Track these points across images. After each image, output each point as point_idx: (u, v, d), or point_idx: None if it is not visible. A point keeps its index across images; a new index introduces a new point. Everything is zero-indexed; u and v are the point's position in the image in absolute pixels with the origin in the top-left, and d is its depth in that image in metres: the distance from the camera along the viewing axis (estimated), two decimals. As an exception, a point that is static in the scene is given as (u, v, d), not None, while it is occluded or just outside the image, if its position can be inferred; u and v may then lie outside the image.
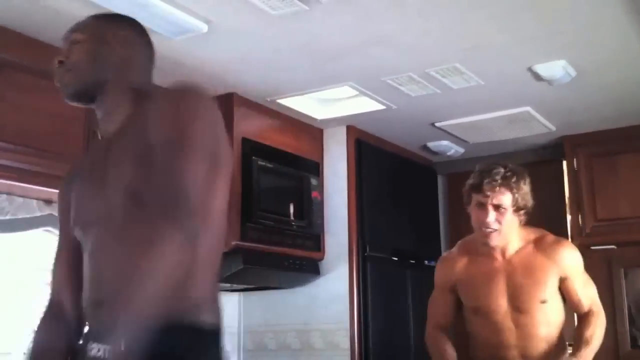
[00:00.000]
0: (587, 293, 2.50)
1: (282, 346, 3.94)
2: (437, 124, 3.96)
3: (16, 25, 2.60)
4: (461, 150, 4.43)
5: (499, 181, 2.34)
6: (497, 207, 2.36)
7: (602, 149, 4.16)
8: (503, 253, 2.46)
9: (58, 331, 1.55)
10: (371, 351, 3.79)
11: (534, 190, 4.59)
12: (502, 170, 2.38)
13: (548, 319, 2.43)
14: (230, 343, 3.97)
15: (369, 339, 3.80)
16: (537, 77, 3.25)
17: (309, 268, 3.82)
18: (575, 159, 4.21)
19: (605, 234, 4.12)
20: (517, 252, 2.46)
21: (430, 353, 2.61)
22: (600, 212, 4.11)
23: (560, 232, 4.29)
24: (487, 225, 2.38)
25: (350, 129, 3.98)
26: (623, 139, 4.08)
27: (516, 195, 2.36)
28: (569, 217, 4.26)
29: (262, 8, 2.49)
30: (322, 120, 3.85)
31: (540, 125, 3.97)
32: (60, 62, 1.53)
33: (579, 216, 4.15)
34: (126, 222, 1.36)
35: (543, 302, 2.40)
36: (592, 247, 4.24)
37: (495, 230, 2.38)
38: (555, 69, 3.16)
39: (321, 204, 3.87)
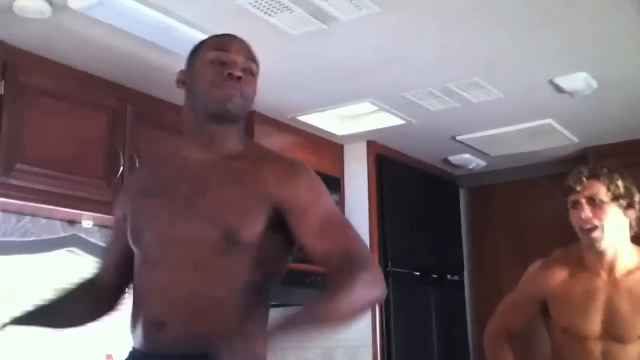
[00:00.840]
0: None
1: (305, 363, 3.93)
2: (457, 138, 3.94)
3: (40, 49, 2.64)
4: (483, 163, 4.40)
5: (586, 174, 2.10)
6: (591, 201, 2.08)
7: (627, 159, 4.09)
8: (610, 271, 2.13)
9: (93, 294, 1.69)
10: (395, 367, 3.76)
11: (559, 203, 4.56)
12: (589, 166, 2.17)
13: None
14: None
15: (392, 356, 3.78)
16: (559, 89, 3.23)
17: (331, 284, 3.80)
18: (598, 171, 4.17)
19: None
20: (627, 273, 2.12)
21: (487, 357, 2.35)
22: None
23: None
24: (584, 222, 2.08)
25: (370, 145, 3.98)
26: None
27: (611, 185, 2.07)
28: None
29: (282, 28, 2.50)
30: (343, 136, 3.86)
31: (562, 137, 3.94)
32: (239, 77, 1.56)
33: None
34: (214, 257, 1.45)
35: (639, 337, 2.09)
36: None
37: (596, 226, 2.07)
38: (576, 81, 3.13)
39: (342, 219, 3.86)
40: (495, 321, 2.36)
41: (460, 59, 2.90)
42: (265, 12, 2.39)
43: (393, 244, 3.97)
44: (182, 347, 1.40)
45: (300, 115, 3.51)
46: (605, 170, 2.11)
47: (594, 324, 2.10)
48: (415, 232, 4.22)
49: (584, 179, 2.09)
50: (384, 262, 3.89)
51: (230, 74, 1.53)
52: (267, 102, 3.33)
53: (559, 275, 2.21)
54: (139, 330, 1.48)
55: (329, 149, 3.93)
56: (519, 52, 2.84)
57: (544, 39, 2.73)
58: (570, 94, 3.26)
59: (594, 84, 3.17)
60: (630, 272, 2.11)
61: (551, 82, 3.16)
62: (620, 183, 2.08)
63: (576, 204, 2.11)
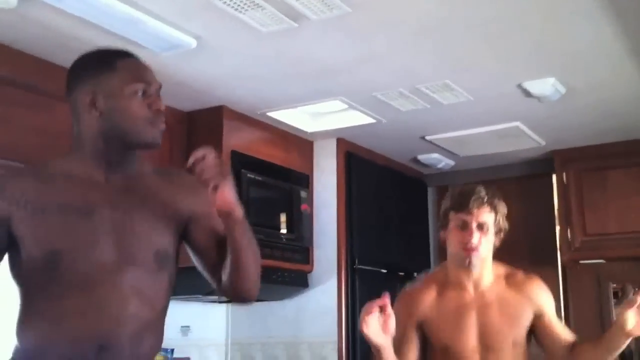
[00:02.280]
0: (566, 329, 2.30)
1: (270, 358, 3.93)
2: (427, 138, 3.96)
3: (5, 39, 2.59)
4: (451, 162, 4.43)
5: (486, 199, 2.18)
6: (480, 227, 2.18)
7: (592, 164, 4.17)
8: (476, 286, 2.25)
9: None
10: (358, 363, 3.78)
11: (523, 204, 4.60)
12: (484, 189, 2.23)
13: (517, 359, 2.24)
14: (217, 355, 3.96)
15: (357, 352, 3.80)
16: (527, 93, 3.26)
17: (297, 281, 3.81)
18: (565, 174, 4.23)
19: (594, 249, 4.13)
20: (489, 286, 2.26)
21: None
22: (590, 227, 4.12)
23: (548, 246, 4.34)
24: (471, 247, 2.17)
25: (340, 142, 3.98)
26: (613, 155, 4.10)
27: (498, 215, 2.20)
28: (557, 231, 4.27)
29: (252, 25, 2.49)
30: (312, 133, 3.85)
31: (529, 140, 3.98)
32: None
33: (568, 230, 4.16)
34: (148, 278, 1.55)
35: (515, 343, 2.22)
36: (581, 262, 4.26)
37: (478, 251, 2.19)
38: (544, 86, 3.17)
39: (310, 216, 3.87)
40: None
41: (430, 61, 2.91)
42: (236, 9, 2.37)
43: (360, 242, 3.98)
44: None
45: (270, 111, 3.50)
46: (496, 198, 2.21)
47: (470, 338, 2.20)
48: (383, 230, 4.23)
49: (483, 204, 2.18)
50: (351, 260, 3.90)
51: (158, 110, 1.57)
52: (237, 98, 3.32)
53: (428, 297, 2.27)
54: (63, 351, 1.46)
55: (299, 145, 3.93)
56: (489, 56, 2.86)
57: (513, 44, 2.75)
58: (538, 98, 3.29)
59: (562, 89, 3.21)
60: (493, 284, 2.25)
61: (520, 87, 3.19)
62: (503, 213, 2.22)
63: (465, 226, 2.18)
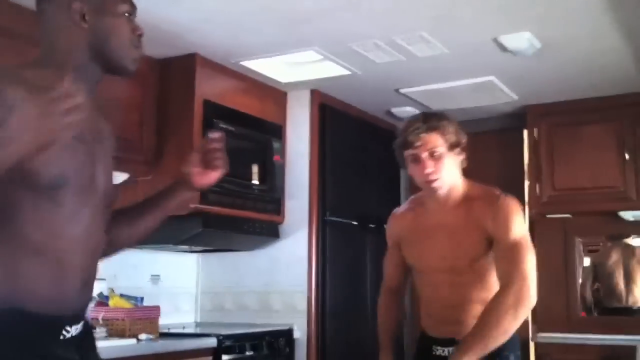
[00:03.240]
0: (511, 260, 2.15)
1: (240, 307, 3.97)
2: (401, 91, 3.95)
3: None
4: (425, 116, 4.43)
5: (422, 127, 2.21)
6: (431, 154, 2.21)
7: (565, 119, 4.20)
8: (445, 207, 2.29)
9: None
10: (328, 313, 3.83)
11: (496, 158, 4.64)
12: (420, 117, 2.28)
13: (481, 280, 2.23)
14: (187, 303, 3.99)
15: (327, 302, 3.85)
16: (502, 47, 3.25)
17: (269, 231, 3.82)
18: (536, 129, 4.25)
19: (562, 203, 4.19)
20: (454, 208, 2.28)
21: (378, 317, 2.55)
22: (559, 181, 4.17)
23: (518, 200, 4.38)
24: (428, 177, 2.23)
25: (314, 93, 3.95)
26: (585, 111, 4.13)
27: (445, 134, 2.22)
28: (526, 185, 4.31)
29: (226, -30, 2.43)
30: (287, 84, 3.81)
31: (503, 94, 3.99)
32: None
33: (537, 185, 4.21)
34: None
35: (474, 261, 2.22)
36: (548, 216, 4.32)
37: (438, 178, 2.23)
38: (520, 40, 3.16)
39: (283, 167, 3.86)
40: (382, 285, 2.59)
41: (407, 12, 2.87)
42: (210, -46, 2.31)
43: (332, 194, 3.99)
44: None
45: (244, 60, 3.44)
46: (437, 121, 2.24)
47: (435, 258, 2.28)
48: (356, 182, 4.24)
49: (423, 134, 2.21)
50: (322, 211, 3.92)
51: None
52: (211, 46, 3.26)
53: (407, 218, 2.42)
54: None
55: (273, 96, 3.89)
56: (465, 8, 2.84)
57: (490, -3, 2.73)
58: (514, 52, 3.29)
59: (537, 44, 3.20)
60: (462, 205, 2.28)
61: (495, 40, 3.18)
62: (452, 129, 2.25)
63: (416, 158, 2.23)
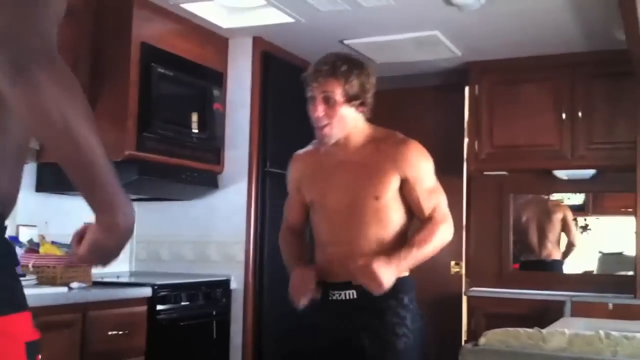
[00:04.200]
0: (431, 199, 2.27)
1: (176, 257, 3.92)
2: (345, 42, 3.89)
3: None
4: (368, 69, 4.40)
5: (326, 70, 2.15)
6: (326, 100, 2.17)
7: (506, 77, 4.23)
8: (345, 147, 2.27)
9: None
10: (265, 263, 3.82)
11: (435, 114, 4.66)
12: (332, 59, 2.18)
13: (381, 218, 2.24)
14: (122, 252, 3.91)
15: (264, 252, 3.83)
16: (447, 1, 3.23)
17: (207, 181, 3.76)
18: (477, 86, 4.28)
19: (499, 161, 4.25)
20: (358, 148, 2.27)
21: (282, 253, 2.49)
22: (497, 139, 4.22)
23: (456, 156, 4.43)
24: (317, 121, 2.20)
25: (257, 41, 3.86)
26: (527, 68, 4.17)
27: (346, 85, 2.15)
28: (465, 142, 4.35)
29: None
30: (228, 30, 3.71)
31: (446, 50, 3.98)
32: None
33: (476, 142, 4.25)
34: None
35: (376, 198, 2.22)
36: (485, 173, 4.39)
37: (327, 124, 2.19)
38: (466, -6, 3.14)
39: (223, 116, 3.78)
40: (283, 221, 2.54)
41: (353, -40, 2.81)
42: None
43: (273, 144, 3.94)
44: None
45: (184, 2, 3.32)
46: (344, 68, 2.16)
47: (334, 194, 2.27)
48: (297, 134, 4.17)
49: (321, 77, 2.16)
50: (262, 162, 3.87)
51: None
52: (149, -15, 3.13)
53: (309, 159, 2.40)
54: None
55: (214, 42, 3.78)
56: (412, -42, 2.79)
57: (438, -52, 2.68)
58: (459, 7, 3.27)
59: (482, -2, 3.19)
60: (362, 146, 2.27)
61: (441, -7, 3.16)
62: (355, 82, 2.17)
63: (312, 100, 2.20)
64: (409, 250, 2.19)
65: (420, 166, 2.26)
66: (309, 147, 2.44)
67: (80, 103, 1.08)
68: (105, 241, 1.15)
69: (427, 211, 2.27)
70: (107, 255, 1.19)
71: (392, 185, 2.22)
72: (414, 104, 4.55)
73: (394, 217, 2.26)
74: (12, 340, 1.12)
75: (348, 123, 2.22)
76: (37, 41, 1.06)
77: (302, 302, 2.26)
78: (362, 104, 2.21)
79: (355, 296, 2.22)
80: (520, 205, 4.68)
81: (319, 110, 2.18)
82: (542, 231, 4.67)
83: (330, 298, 2.26)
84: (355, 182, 2.25)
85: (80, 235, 1.19)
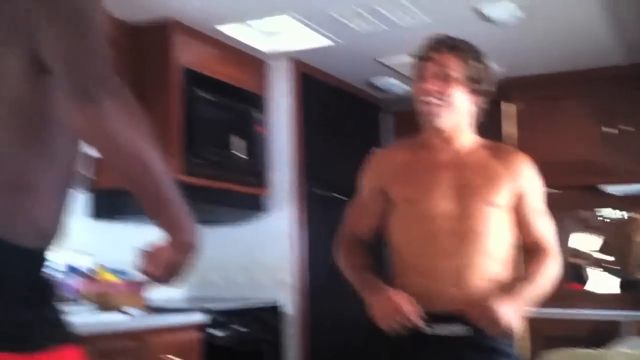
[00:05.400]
0: (543, 223, 1.96)
1: (226, 281, 3.93)
2: (382, 61, 3.93)
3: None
4: (407, 87, 4.41)
5: (447, 44, 1.90)
6: (441, 76, 1.88)
7: (546, 92, 4.20)
8: (451, 146, 1.95)
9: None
10: (315, 287, 3.83)
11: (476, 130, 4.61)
12: (450, 38, 1.94)
13: (496, 230, 1.90)
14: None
15: (313, 275, 3.84)
16: (484, 17, 3.24)
17: (253, 204, 3.79)
18: (517, 102, 4.25)
19: (545, 178, 4.17)
20: (466, 148, 1.95)
21: (347, 268, 2.08)
22: (541, 155, 4.13)
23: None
24: (427, 95, 1.88)
25: (295, 63, 3.91)
26: (567, 84, 4.14)
27: (466, 65, 1.89)
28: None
29: None
30: (267, 53, 3.77)
31: (484, 66, 3.97)
32: None
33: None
34: None
35: (493, 206, 1.89)
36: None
37: (441, 102, 1.88)
38: (501, 10, 3.15)
39: (265, 139, 3.82)
40: (340, 233, 2.13)
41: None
42: None
43: (315, 166, 3.97)
44: None
45: (220, 25, 3.37)
46: (466, 47, 1.93)
47: (442, 198, 1.90)
48: (337, 155, 4.22)
49: (445, 50, 1.90)
50: (306, 183, 3.89)
51: None
52: (186, 10, 3.19)
53: (397, 157, 2.01)
54: None
55: (253, 65, 3.84)
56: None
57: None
58: (495, 23, 3.28)
59: (519, 14, 3.19)
60: (472, 149, 1.97)
61: (476, 10, 3.17)
62: (475, 65, 1.92)
63: (423, 74, 1.91)
64: (529, 285, 1.88)
65: (535, 183, 1.98)
66: (393, 146, 2.11)
67: (144, 126, 1.12)
68: (178, 260, 1.19)
69: (537, 235, 1.96)
70: (179, 273, 1.21)
71: (507, 194, 1.91)
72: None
73: (506, 233, 1.94)
74: None
75: (459, 109, 1.91)
76: (101, 67, 1.11)
77: (398, 328, 1.84)
78: (476, 93, 1.93)
79: (465, 333, 1.84)
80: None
81: (432, 84, 1.88)
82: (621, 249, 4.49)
83: (425, 332, 1.85)
84: (467, 184, 1.90)
85: (151, 256, 1.21)
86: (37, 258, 1.16)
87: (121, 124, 1.09)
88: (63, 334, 1.17)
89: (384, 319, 1.85)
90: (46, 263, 1.19)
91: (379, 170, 2.04)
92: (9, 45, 1.11)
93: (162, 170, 1.13)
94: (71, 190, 1.26)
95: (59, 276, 2.88)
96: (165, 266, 1.19)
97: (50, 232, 1.18)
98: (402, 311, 1.81)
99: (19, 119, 1.11)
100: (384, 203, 2.01)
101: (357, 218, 2.09)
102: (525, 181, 1.95)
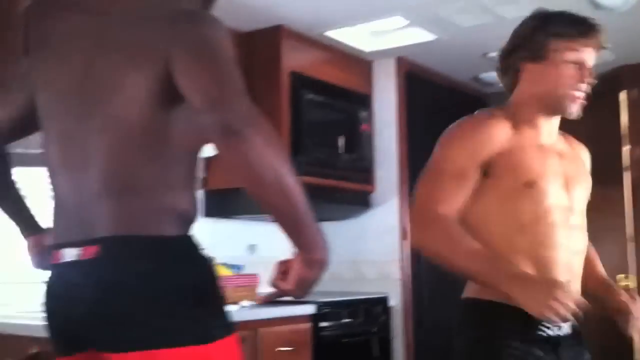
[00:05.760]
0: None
1: (334, 276, 3.99)
2: (489, 55, 3.87)
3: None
4: (515, 80, 4.33)
5: (598, 28, 1.68)
6: (590, 69, 1.69)
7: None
8: (550, 132, 1.77)
9: None
10: (423, 280, 3.84)
11: (589, 122, 4.48)
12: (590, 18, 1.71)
13: (586, 227, 1.80)
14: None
15: (422, 269, 3.85)
16: (595, 4, 3.13)
17: (359, 201, 3.86)
18: (636, 89, 4.07)
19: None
20: (558, 137, 1.81)
21: (446, 249, 1.67)
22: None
23: (614, 164, 4.22)
24: (582, 89, 1.69)
25: (399, 61, 3.93)
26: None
27: (599, 53, 1.73)
28: (624, 149, 4.14)
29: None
30: (371, 53, 3.81)
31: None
32: None
33: (638, 149, 4.04)
34: None
35: (587, 200, 1.80)
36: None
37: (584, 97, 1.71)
38: (614, -5, 3.04)
39: (371, 137, 3.87)
40: (427, 206, 1.72)
41: (493, -28, 2.82)
42: None
43: (421, 162, 3.92)
44: None
45: (329, 30, 3.46)
46: (603, 30, 1.72)
47: (557, 179, 1.71)
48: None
49: (598, 35, 1.67)
50: (412, 179, 3.87)
51: None
52: (295, 17, 3.30)
53: (505, 127, 1.71)
54: None
55: (358, 65, 3.90)
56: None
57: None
58: (608, 9, 3.16)
59: (633, -1, 3.07)
60: (560, 137, 1.82)
61: (588, -3, 3.07)
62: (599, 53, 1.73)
63: (585, 62, 1.69)
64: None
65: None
66: (486, 115, 1.77)
67: (285, 156, 1.20)
68: (309, 275, 1.27)
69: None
70: (309, 287, 1.29)
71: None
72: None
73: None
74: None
75: None
76: (246, 105, 1.19)
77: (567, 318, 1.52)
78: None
79: (569, 331, 1.71)
80: None
81: (590, 77, 1.69)
82: None
83: (540, 333, 1.66)
84: (573, 173, 1.75)
85: (282, 271, 1.29)
86: (204, 260, 1.33)
87: (265, 159, 1.15)
88: (228, 326, 1.31)
89: (546, 307, 1.49)
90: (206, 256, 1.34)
91: (486, 138, 1.71)
92: (142, 69, 1.22)
93: (300, 193, 1.20)
94: (195, 185, 1.39)
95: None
96: (296, 281, 1.26)
97: (192, 218, 1.33)
98: (567, 302, 1.50)
99: (147, 139, 1.25)
100: (478, 177, 1.71)
101: (455, 193, 1.70)
102: (589, 176, 1.85)
